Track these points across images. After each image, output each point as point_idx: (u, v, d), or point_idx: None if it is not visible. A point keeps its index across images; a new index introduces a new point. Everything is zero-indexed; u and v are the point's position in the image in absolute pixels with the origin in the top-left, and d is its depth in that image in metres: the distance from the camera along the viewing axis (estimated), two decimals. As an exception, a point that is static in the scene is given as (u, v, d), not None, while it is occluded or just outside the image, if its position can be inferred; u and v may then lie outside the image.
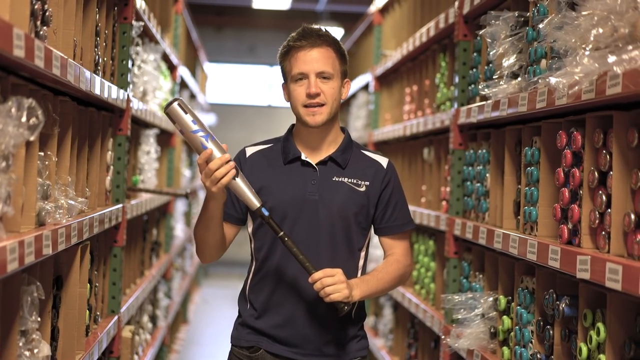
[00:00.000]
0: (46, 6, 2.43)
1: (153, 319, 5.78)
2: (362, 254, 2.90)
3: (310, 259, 2.71)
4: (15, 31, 1.99)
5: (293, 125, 2.96)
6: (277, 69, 15.78)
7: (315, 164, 2.86)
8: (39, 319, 2.38)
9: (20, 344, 2.30)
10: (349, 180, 2.87)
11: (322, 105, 2.79)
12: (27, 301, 2.30)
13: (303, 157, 2.86)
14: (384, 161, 2.94)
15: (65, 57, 2.56)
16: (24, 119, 2.06)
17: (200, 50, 10.30)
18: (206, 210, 2.72)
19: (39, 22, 2.36)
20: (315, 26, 2.88)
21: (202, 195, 11.76)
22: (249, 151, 2.92)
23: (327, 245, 2.82)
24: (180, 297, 7.96)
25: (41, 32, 2.38)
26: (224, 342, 8.64)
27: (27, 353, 2.32)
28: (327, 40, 2.82)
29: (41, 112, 2.13)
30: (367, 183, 2.88)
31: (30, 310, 2.33)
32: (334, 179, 2.86)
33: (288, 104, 2.88)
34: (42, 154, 2.57)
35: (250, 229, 2.91)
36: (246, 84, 15.96)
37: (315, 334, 2.84)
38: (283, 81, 2.90)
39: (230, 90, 15.87)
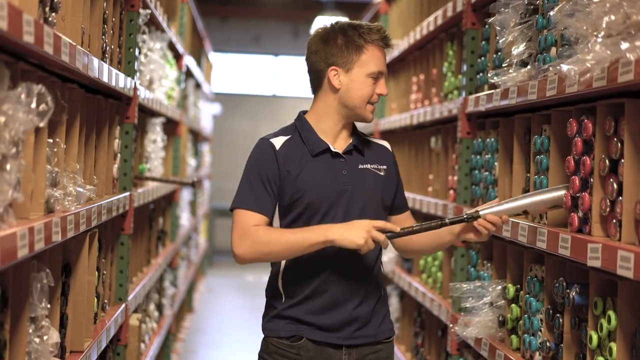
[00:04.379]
0: (55, -7, 2.42)
1: (159, 307, 5.78)
2: None
3: (344, 252, 2.78)
4: (25, 17, 1.98)
5: (303, 112, 2.95)
6: (282, 58, 15.96)
7: (342, 153, 2.89)
8: (48, 305, 2.38)
9: (30, 331, 2.30)
10: (372, 167, 2.92)
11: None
12: (36, 288, 2.30)
13: (332, 148, 2.87)
14: (387, 145, 3.03)
15: (74, 44, 2.55)
16: (33, 105, 2.05)
17: (206, 39, 10.28)
18: (312, 246, 2.73)
19: (47, 9, 2.36)
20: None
21: (206, 185, 11.77)
22: (276, 143, 2.88)
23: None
24: (186, 285, 7.98)
25: (50, 19, 2.37)
26: (228, 330, 8.71)
27: (37, 340, 2.32)
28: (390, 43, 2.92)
29: (50, 98, 2.12)
30: (385, 167, 2.94)
31: (40, 297, 2.33)
32: (359, 167, 2.90)
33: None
34: (50, 140, 2.57)
35: (281, 222, 2.86)
36: (251, 74, 15.95)
37: (356, 316, 2.87)
38: (337, 65, 2.85)
39: (235, 80, 15.86)
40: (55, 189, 2.58)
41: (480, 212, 2.80)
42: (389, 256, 5.58)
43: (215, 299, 10.38)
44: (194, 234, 9.39)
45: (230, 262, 13.69)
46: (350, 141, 2.91)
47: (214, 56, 12.92)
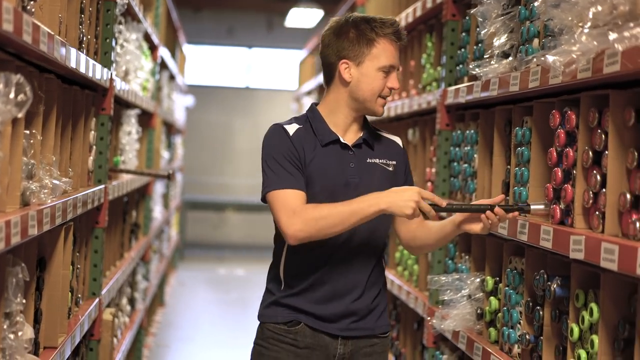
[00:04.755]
0: (33, -19, 2.37)
1: (132, 301, 5.73)
2: (386, 237, 2.97)
3: (349, 241, 2.81)
4: (5, 4, 1.93)
5: (315, 104, 2.94)
6: (256, 50, 15.87)
7: (351, 146, 2.88)
8: (23, 300, 2.33)
9: (5, 327, 2.25)
10: (380, 161, 2.92)
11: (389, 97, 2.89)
12: (12, 283, 2.25)
13: (342, 140, 2.87)
14: (399, 140, 3.02)
15: (52, 33, 2.50)
16: (11, 96, 2.01)
17: (180, 31, 10.20)
18: (366, 217, 2.69)
19: (26, -3, 2.31)
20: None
21: (178, 178, 11.70)
22: (289, 129, 2.85)
23: (366, 226, 2.81)
24: (158, 279, 7.92)
25: (29, 7, 2.32)
26: (200, 324, 8.66)
27: (12, 336, 2.27)
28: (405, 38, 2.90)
29: (29, 88, 2.07)
30: (394, 162, 2.94)
31: (15, 292, 2.28)
32: (367, 161, 2.90)
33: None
34: (27, 132, 2.51)
35: None
36: (224, 66, 15.87)
37: (354, 309, 2.87)
38: (348, 58, 2.83)
39: (208, 72, 15.78)
40: (31, 182, 2.53)
41: (532, 206, 2.70)
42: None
43: (187, 293, 10.33)
44: (166, 227, 9.33)
45: (201, 256, 13.66)
46: (361, 135, 2.91)
47: (187, 48, 12.83)
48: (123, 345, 4.83)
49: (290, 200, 2.73)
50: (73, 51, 2.89)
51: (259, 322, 2.93)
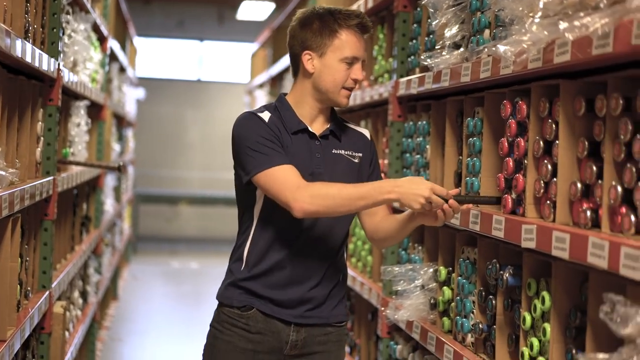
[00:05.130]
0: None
1: (84, 294, 5.66)
2: (349, 227, 2.98)
3: (312, 232, 2.83)
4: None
5: (283, 95, 2.94)
6: (207, 43, 15.79)
7: (318, 137, 2.89)
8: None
9: (-50, 320, 2.21)
10: (346, 153, 2.93)
11: (353, 88, 2.89)
12: (-43, 275, 2.20)
13: (310, 129, 2.88)
14: (367, 133, 3.02)
15: (-4, 20, 2.45)
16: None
17: (130, 23, 10.10)
18: (376, 203, 2.71)
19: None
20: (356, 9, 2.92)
21: (130, 171, 11.59)
22: (263, 116, 2.86)
23: (329, 218, 2.84)
24: (110, 273, 7.84)
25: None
26: (154, 318, 8.60)
27: (-43, 329, 2.22)
28: (370, 28, 2.89)
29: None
30: (360, 155, 2.95)
31: (-40, 285, 2.23)
32: (333, 152, 2.91)
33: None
34: (-29, 122, 2.47)
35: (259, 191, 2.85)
36: (175, 59, 15.76)
37: (310, 297, 2.89)
38: (311, 50, 2.84)
39: (160, 64, 15.65)
40: (-24, 172, 2.48)
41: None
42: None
43: (140, 287, 10.25)
44: (118, 220, 9.24)
45: (154, 250, 13.56)
46: (328, 126, 2.92)
47: (138, 40, 12.70)
48: (75, 338, 4.78)
49: (290, 175, 2.73)
50: (18, 40, 2.83)
51: (217, 303, 2.94)
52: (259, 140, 2.78)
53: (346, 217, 2.91)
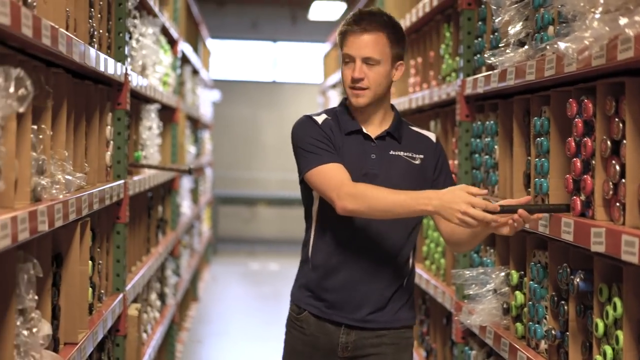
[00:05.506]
0: (35, -26, 2.35)
1: (161, 296, 5.73)
2: (416, 229, 2.99)
3: (366, 234, 2.87)
4: (0, -2, 1.91)
5: (345, 99, 3.00)
6: (281, 44, 15.82)
7: (374, 138, 2.93)
8: (36, 297, 2.31)
9: (18, 323, 2.24)
10: (405, 154, 2.95)
11: (365, 89, 2.87)
12: (23, 279, 2.23)
13: (364, 130, 2.93)
14: (432, 136, 3.04)
15: (57, 26, 2.47)
16: (11, 90, 1.98)
17: (202, 25, 10.18)
18: (414, 213, 2.72)
19: (27, -10, 2.28)
20: (374, 9, 2.94)
21: (208, 173, 11.70)
22: (318, 119, 2.94)
23: (385, 221, 2.86)
24: (190, 274, 7.92)
25: (29, 1, 2.30)
26: (233, 318, 8.68)
27: (26, 332, 2.26)
28: (380, 25, 2.86)
29: (30, 82, 2.05)
30: (422, 156, 2.96)
31: (27, 288, 2.26)
32: (390, 153, 2.93)
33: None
34: (35, 127, 2.50)
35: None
36: (250, 60, 15.85)
37: (368, 299, 2.92)
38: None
39: (234, 66, 15.76)
40: (42, 177, 2.51)
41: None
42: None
43: (220, 288, 10.34)
44: (196, 222, 9.33)
45: (234, 250, 13.67)
46: (387, 127, 2.95)
47: (211, 43, 12.81)
48: (153, 340, 4.84)
49: (335, 173, 2.79)
50: (82, 45, 2.86)
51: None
52: (311, 141, 2.86)
53: (404, 221, 2.89)
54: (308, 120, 2.93)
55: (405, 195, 2.69)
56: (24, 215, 2.11)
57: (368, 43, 2.84)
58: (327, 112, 2.99)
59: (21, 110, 2.07)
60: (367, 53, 2.84)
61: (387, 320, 2.94)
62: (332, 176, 2.78)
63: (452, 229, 2.92)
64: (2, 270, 2.12)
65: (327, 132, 2.88)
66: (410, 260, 2.99)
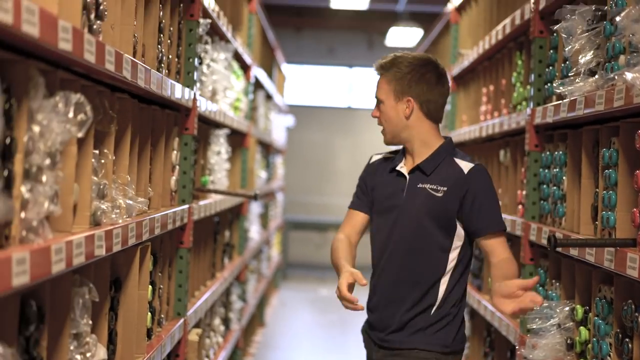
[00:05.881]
0: (100, 0, 2.37)
1: (226, 321, 5.72)
2: (452, 255, 3.10)
3: (390, 261, 3.14)
4: (61, 23, 1.92)
5: None
6: (357, 70, 15.83)
7: (407, 173, 3.15)
8: (90, 322, 2.32)
9: (72, 347, 2.25)
10: (429, 187, 3.10)
11: (382, 127, 3.18)
12: (78, 303, 2.24)
13: (398, 167, 3.17)
14: (466, 167, 3.10)
15: (121, 52, 2.49)
16: (71, 115, 2.00)
17: (277, 50, 10.23)
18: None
19: (92, 16, 2.30)
20: (399, 54, 3.16)
21: (279, 198, 11.72)
22: (374, 158, 3.31)
23: (406, 249, 3.11)
24: (256, 299, 7.90)
25: (95, 27, 2.32)
26: (300, 345, 8.64)
27: (79, 357, 2.26)
28: (385, 67, 3.14)
29: (90, 107, 2.06)
30: (445, 188, 3.07)
31: (82, 313, 2.27)
32: (418, 186, 3.12)
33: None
34: (97, 152, 2.52)
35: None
36: (325, 86, 15.88)
37: (393, 321, 3.13)
38: None
39: (309, 91, 15.81)
40: (102, 202, 2.53)
41: None
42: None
43: (288, 313, 10.31)
44: (265, 247, 9.33)
45: (304, 276, 13.64)
46: (419, 162, 3.14)
47: (287, 68, 12.88)
48: (215, 365, 4.83)
49: (345, 219, 3.31)
50: (147, 70, 2.87)
51: None
52: (358, 182, 3.30)
53: (426, 248, 3.09)
54: (369, 159, 3.31)
55: (338, 262, 3.12)
56: (80, 239, 2.12)
57: (377, 86, 3.17)
58: (393, 151, 3.28)
59: (79, 135, 2.08)
60: (376, 94, 3.17)
61: (401, 341, 3.11)
62: (344, 220, 3.31)
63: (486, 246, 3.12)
64: (57, 294, 2.13)
65: (368, 173, 3.26)
66: (443, 286, 3.09)
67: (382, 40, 13.81)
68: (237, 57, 5.77)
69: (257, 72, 7.16)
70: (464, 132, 5.58)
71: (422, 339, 3.07)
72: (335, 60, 15.49)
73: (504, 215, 4.17)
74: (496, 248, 3.07)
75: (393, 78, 3.10)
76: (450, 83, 6.28)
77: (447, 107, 6.38)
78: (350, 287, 2.94)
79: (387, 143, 3.19)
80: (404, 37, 12.57)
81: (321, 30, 14.29)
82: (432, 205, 3.06)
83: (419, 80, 3.08)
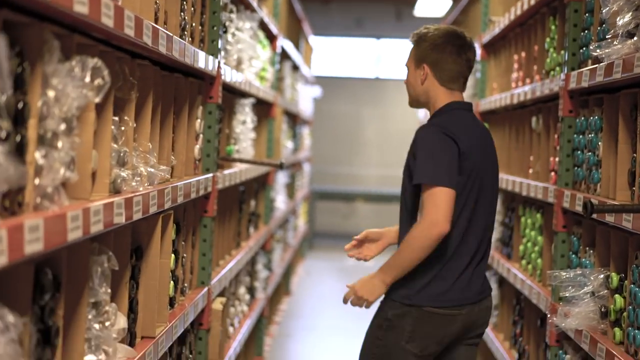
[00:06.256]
0: (118, -38, 2.29)
1: (251, 290, 5.68)
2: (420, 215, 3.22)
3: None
4: (78, -15, 1.85)
5: None
6: (385, 41, 15.67)
7: None
8: (109, 290, 2.26)
9: (90, 317, 2.19)
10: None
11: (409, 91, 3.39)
12: (97, 271, 2.18)
13: None
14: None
15: (141, 17, 2.41)
16: (87, 80, 1.93)
17: (304, 22, 10.12)
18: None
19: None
20: (428, 26, 3.36)
21: (306, 168, 11.66)
22: None
23: (400, 209, 3.35)
24: (282, 269, 7.87)
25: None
26: (324, 313, 8.62)
27: (97, 326, 2.21)
28: (413, 38, 3.36)
29: (107, 72, 1.99)
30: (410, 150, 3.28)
31: (100, 281, 2.21)
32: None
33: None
34: (117, 119, 2.45)
35: None
36: (353, 57, 15.75)
37: None
38: None
39: (337, 63, 15.68)
40: (122, 169, 2.46)
41: None
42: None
43: (314, 282, 10.28)
44: (291, 217, 9.28)
45: (330, 245, 13.59)
46: None
47: (314, 40, 12.76)
48: (240, 334, 4.79)
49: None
50: (169, 37, 2.79)
51: None
52: None
53: (403, 209, 3.30)
54: None
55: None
56: (98, 207, 2.06)
57: (409, 54, 3.38)
58: None
59: (97, 100, 2.01)
60: (405, 62, 3.39)
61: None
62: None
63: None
64: (74, 263, 2.07)
65: None
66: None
67: (411, 11, 13.60)
68: (263, 27, 5.68)
69: (284, 43, 7.06)
70: (494, 99, 5.47)
71: (395, 289, 3.25)
72: (363, 32, 15.33)
73: (535, 183, 4.10)
74: (424, 206, 3.11)
75: (416, 47, 3.31)
76: (480, 51, 6.15)
77: (477, 74, 6.26)
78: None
79: (410, 106, 3.44)
80: (432, 7, 12.38)
81: (349, 2, 14.12)
82: (405, 167, 3.26)
83: (434, 49, 3.26)
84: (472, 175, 3.17)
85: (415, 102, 3.40)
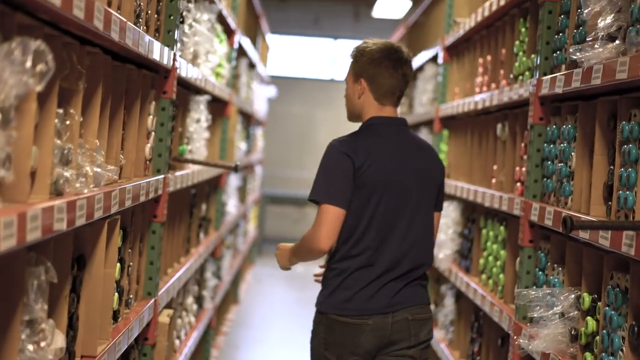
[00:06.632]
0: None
1: (199, 300, 5.44)
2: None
3: None
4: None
5: None
6: (342, 42, 15.50)
7: None
8: (46, 306, 2.03)
9: (24, 336, 1.95)
10: None
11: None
12: (32, 285, 1.95)
13: None
14: None
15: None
16: (28, 64, 1.70)
17: (262, 18, 9.92)
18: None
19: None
20: (367, 40, 3.47)
21: (258, 171, 11.44)
22: None
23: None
24: (231, 276, 7.63)
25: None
26: (274, 323, 8.39)
27: (32, 347, 1.97)
28: (351, 53, 3.45)
29: (51, 57, 1.77)
30: None
31: (37, 296, 1.98)
32: None
33: None
34: (61, 111, 2.22)
35: None
36: (309, 57, 15.57)
37: None
38: None
39: (292, 62, 15.49)
40: (66, 169, 2.23)
41: None
42: (445, 253, 5.16)
43: (263, 290, 10.07)
44: (242, 222, 9.05)
45: (280, 251, 13.37)
46: None
47: (271, 38, 12.55)
48: (186, 347, 4.55)
49: None
50: (121, 21, 2.56)
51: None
52: None
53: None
54: None
55: None
56: (36, 211, 1.83)
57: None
58: None
59: (39, 88, 1.79)
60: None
61: None
62: None
63: None
64: (7, 275, 1.84)
65: None
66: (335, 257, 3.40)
67: (369, 11, 13.46)
68: (222, 20, 5.47)
69: (241, 39, 6.85)
70: (456, 104, 5.31)
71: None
72: (321, 32, 15.17)
73: (500, 194, 3.95)
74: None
75: (354, 62, 3.40)
76: (442, 54, 6.01)
77: (439, 78, 6.11)
78: None
79: (349, 120, 3.48)
80: (391, 8, 12.24)
81: (307, 1, 13.94)
82: None
83: (371, 64, 3.33)
84: (378, 188, 3.24)
85: (352, 117, 3.45)
